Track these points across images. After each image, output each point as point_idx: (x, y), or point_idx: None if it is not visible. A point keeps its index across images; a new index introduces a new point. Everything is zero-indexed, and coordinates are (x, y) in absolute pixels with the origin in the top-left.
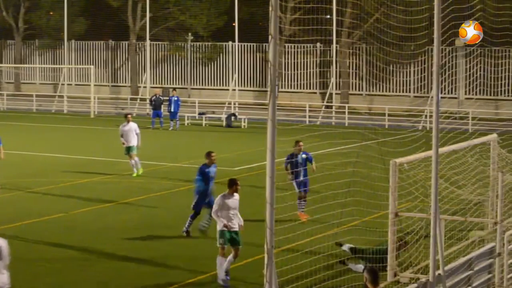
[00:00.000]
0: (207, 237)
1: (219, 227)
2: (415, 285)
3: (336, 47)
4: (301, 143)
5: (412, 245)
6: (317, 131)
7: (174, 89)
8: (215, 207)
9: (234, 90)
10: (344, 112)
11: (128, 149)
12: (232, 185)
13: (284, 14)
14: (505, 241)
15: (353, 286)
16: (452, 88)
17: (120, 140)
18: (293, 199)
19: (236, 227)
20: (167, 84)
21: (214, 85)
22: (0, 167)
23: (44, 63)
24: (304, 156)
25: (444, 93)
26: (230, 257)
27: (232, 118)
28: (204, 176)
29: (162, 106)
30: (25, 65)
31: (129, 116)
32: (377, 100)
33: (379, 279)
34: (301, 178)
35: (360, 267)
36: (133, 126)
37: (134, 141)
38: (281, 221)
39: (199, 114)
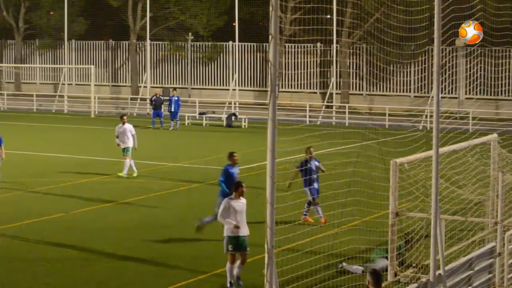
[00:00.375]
0: (208, 238)
1: (225, 232)
2: (416, 285)
3: (337, 47)
4: (312, 149)
5: (412, 245)
6: (318, 131)
7: (175, 89)
8: (220, 210)
9: (235, 90)
10: (344, 112)
11: (124, 150)
12: (238, 187)
13: (285, 14)
14: (506, 241)
15: (353, 286)
16: (452, 88)
17: (116, 141)
18: (293, 199)
19: (244, 232)
20: (168, 84)
21: (214, 85)
22: (0, 167)
23: (44, 63)
24: (317, 163)
25: (445, 93)
26: (239, 263)
27: (233, 118)
28: (228, 177)
29: (163, 106)
30: (25, 65)
31: (125, 117)
32: (377, 100)
33: (382, 281)
34: (315, 186)
35: (356, 268)
36: (128, 127)
37: (129, 142)
38: (281, 221)
39: (200, 114)
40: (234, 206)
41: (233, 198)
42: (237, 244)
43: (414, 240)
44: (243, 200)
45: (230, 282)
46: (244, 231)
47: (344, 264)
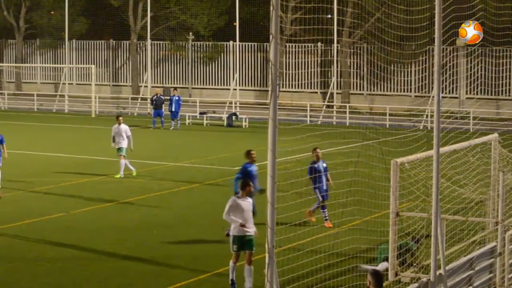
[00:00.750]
0: (208, 237)
1: (232, 231)
2: (416, 284)
3: (337, 46)
4: (318, 150)
5: (421, 244)
6: (318, 131)
7: (175, 88)
8: (226, 209)
9: (235, 89)
10: (345, 112)
11: (118, 150)
12: (245, 186)
13: (285, 14)
14: (506, 241)
15: (354, 285)
16: (453, 88)
17: (111, 145)
18: (294, 199)
19: (250, 232)
20: (168, 83)
21: (215, 85)
22: (1, 166)
23: (45, 63)
24: (324, 165)
25: (445, 93)
26: (246, 266)
27: (233, 117)
28: (247, 175)
29: (163, 105)
30: (26, 65)
31: (120, 118)
32: (378, 99)
33: (383, 282)
34: (324, 186)
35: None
36: (123, 128)
37: (123, 143)
38: (282, 221)
39: (200, 113)
40: (241, 205)
41: (240, 197)
42: (243, 243)
43: (422, 239)
44: (249, 200)
45: (232, 280)
46: (251, 230)
47: (363, 266)
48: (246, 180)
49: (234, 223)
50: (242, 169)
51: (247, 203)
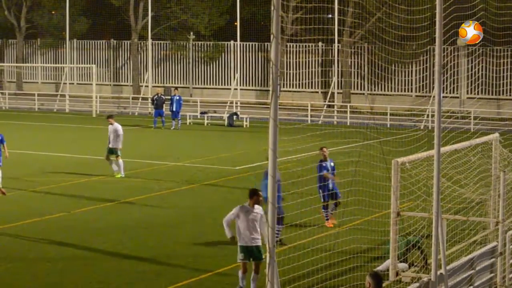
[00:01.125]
0: (209, 237)
1: (239, 242)
2: (417, 284)
3: (338, 46)
4: (325, 149)
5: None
6: (319, 131)
7: (176, 88)
8: (228, 215)
9: (236, 89)
10: (346, 112)
11: (111, 151)
12: (253, 195)
13: (286, 13)
14: (507, 241)
15: (355, 285)
16: (454, 88)
17: (109, 145)
18: (294, 199)
19: (257, 241)
20: (169, 83)
21: (216, 84)
22: (2, 166)
23: (46, 62)
24: (332, 164)
25: (446, 93)
26: (253, 274)
27: (234, 117)
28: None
29: (164, 105)
30: (27, 64)
31: (109, 119)
32: (379, 99)
33: (382, 283)
34: (330, 185)
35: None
36: (114, 128)
37: (114, 143)
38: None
39: (201, 113)
40: (246, 215)
41: (246, 207)
42: (248, 253)
43: (423, 239)
44: (257, 209)
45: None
46: (257, 240)
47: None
48: (254, 188)
49: (226, 232)
50: (266, 174)
51: (253, 213)
